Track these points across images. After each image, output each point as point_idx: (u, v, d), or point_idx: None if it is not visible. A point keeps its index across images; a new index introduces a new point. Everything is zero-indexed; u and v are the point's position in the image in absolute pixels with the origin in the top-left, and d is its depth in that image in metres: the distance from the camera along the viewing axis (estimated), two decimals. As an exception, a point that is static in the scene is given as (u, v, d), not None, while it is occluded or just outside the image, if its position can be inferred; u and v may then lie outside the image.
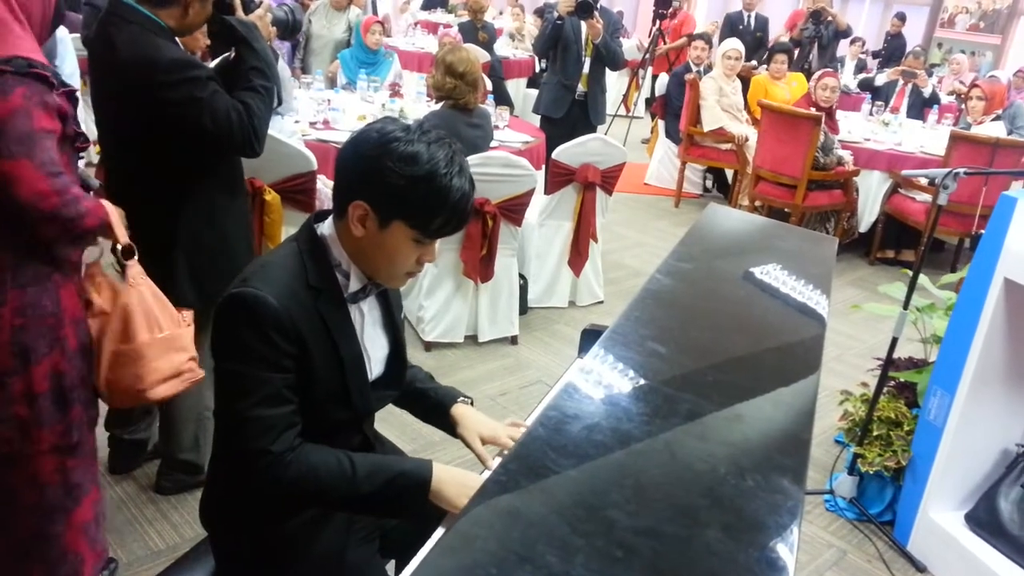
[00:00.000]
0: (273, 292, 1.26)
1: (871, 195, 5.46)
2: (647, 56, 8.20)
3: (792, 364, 1.20)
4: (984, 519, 2.43)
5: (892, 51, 8.98)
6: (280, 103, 3.41)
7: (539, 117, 4.99)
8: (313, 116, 4.06)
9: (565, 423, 0.92)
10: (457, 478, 1.34)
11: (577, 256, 4.07)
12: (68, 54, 3.17)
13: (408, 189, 1.25)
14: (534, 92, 7.99)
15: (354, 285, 1.38)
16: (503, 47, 8.29)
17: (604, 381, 1.03)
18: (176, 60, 1.93)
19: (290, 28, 2.68)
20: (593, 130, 4.70)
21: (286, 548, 1.41)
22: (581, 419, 0.93)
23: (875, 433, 2.69)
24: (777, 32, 8.47)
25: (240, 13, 2.16)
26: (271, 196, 3.04)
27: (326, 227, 1.38)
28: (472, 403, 1.63)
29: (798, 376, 1.15)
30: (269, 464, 1.26)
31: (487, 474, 1.18)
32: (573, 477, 0.83)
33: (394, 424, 2.94)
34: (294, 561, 1.42)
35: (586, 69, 4.71)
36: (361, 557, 1.51)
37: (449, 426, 1.60)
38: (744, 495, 0.85)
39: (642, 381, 1.04)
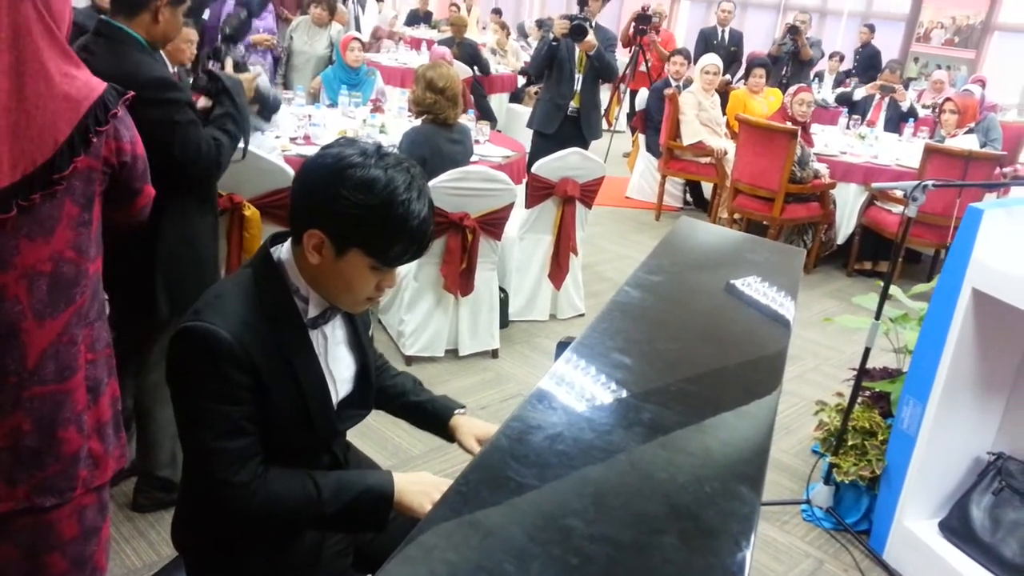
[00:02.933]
0: (226, 325, 1.23)
1: (848, 207, 5.53)
2: (626, 71, 8.27)
3: (755, 374, 1.22)
4: (957, 527, 2.46)
5: (864, 61, 9.10)
6: (268, 119, 3.43)
7: (530, 132, 5.05)
8: (294, 132, 4.08)
9: (528, 433, 0.93)
10: (416, 483, 1.36)
11: (557, 269, 4.10)
12: None
13: (365, 218, 1.21)
14: (517, 107, 8.06)
15: (313, 311, 1.35)
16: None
17: (568, 392, 1.05)
18: (157, 79, 1.95)
19: (267, 107, 2.68)
20: (586, 145, 4.74)
21: (258, 566, 1.41)
22: (544, 429, 0.95)
23: (850, 443, 2.72)
24: (751, 47, 8.57)
25: (229, 69, 2.24)
26: (250, 211, 3.05)
27: (284, 251, 1.35)
28: (465, 410, 1.66)
29: (761, 386, 1.18)
30: (234, 495, 1.26)
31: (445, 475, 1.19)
32: (533, 486, 0.84)
33: (374, 439, 2.94)
34: None
35: (578, 86, 4.76)
36: (334, 573, 1.51)
37: (448, 436, 1.63)
38: (701, 503, 0.87)
39: (606, 392, 1.06)
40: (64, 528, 1.56)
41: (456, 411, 1.63)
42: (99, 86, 1.44)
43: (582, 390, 1.06)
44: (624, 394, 1.07)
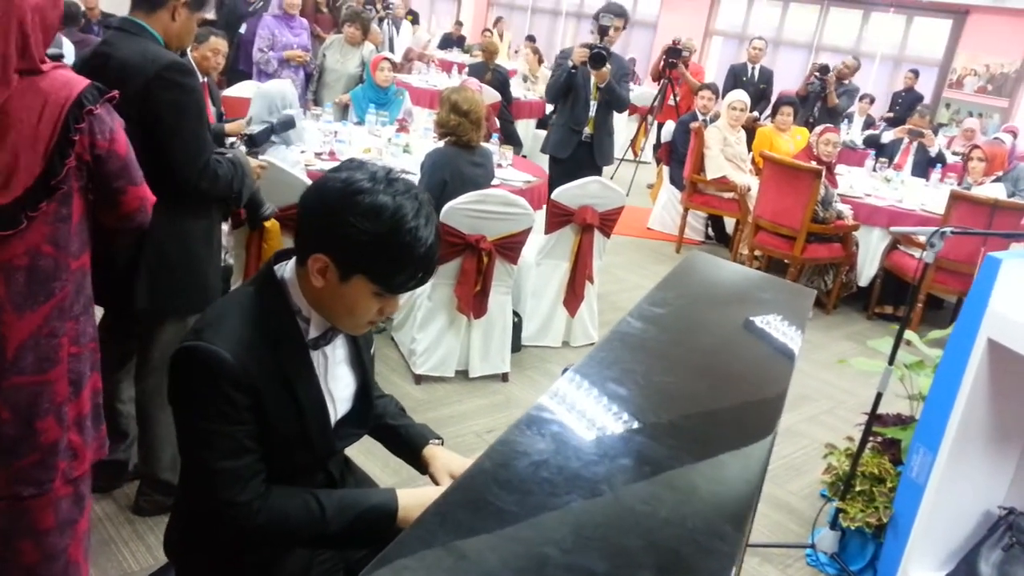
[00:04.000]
0: (228, 346, 1.23)
1: (871, 250, 5.48)
2: (655, 103, 8.31)
3: (752, 414, 1.21)
4: (964, 581, 2.40)
5: (905, 106, 9.06)
6: (289, 145, 3.49)
7: (547, 157, 5.09)
8: (319, 147, 4.14)
9: (513, 458, 0.93)
10: (421, 500, 1.34)
11: (573, 296, 4.10)
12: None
13: (371, 244, 1.21)
14: (543, 132, 8.12)
15: (314, 331, 1.35)
16: (515, 88, 8.43)
17: (559, 419, 1.05)
18: (176, 62, 2.03)
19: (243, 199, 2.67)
20: (599, 171, 4.79)
21: None
22: (530, 455, 0.94)
23: (858, 488, 2.68)
24: (781, 85, 8.57)
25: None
26: (271, 224, 3.09)
27: (288, 270, 1.35)
28: (443, 443, 1.61)
29: (756, 426, 1.17)
30: (237, 514, 1.27)
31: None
32: (512, 512, 0.84)
33: (378, 456, 2.94)
34: None
35: (592, 112, 4.80)
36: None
37: (420, 466, 1.59)
38: (681, 539, 0.86)
39: (597, 421, 1.06)
40: (39, 517, 1.58)
41: (432, 441, 1.59)
42: (79, 84, 1.46)
43: (572, 418, 1.06)
44: (615, 425, 1.07)
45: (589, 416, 1.08)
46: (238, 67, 6.84)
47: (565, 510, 0.88)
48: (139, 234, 2.10)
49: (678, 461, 1.01)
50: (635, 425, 1.08)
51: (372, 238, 1.21)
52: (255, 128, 2.75)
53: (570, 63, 4.72)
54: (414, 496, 1.36)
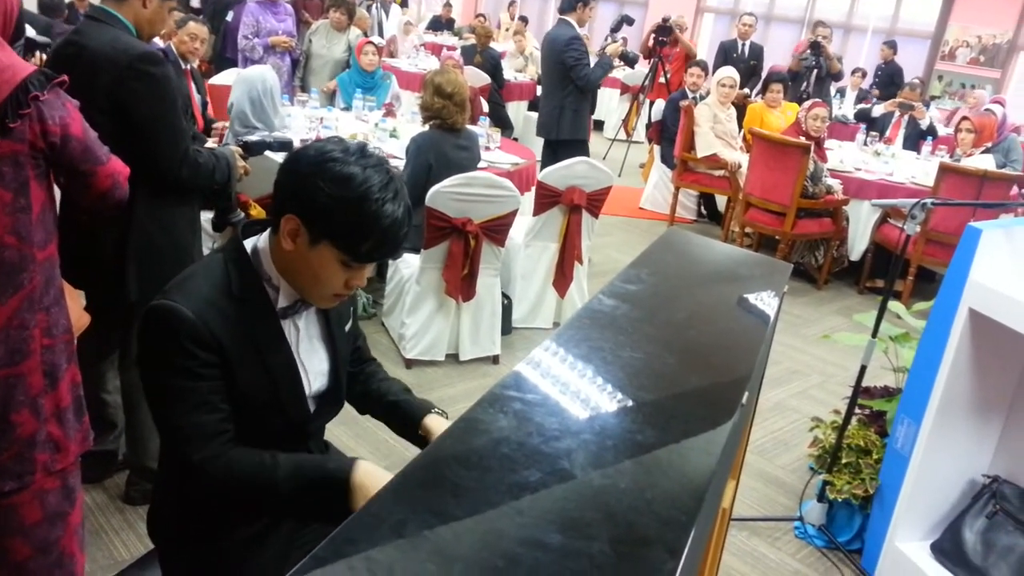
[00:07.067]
0: (190, 304, 1.26)
1: (861, 224, 5.48)
2: (646, 82, 8.26)
3: (720, 386, 1.22)
4: (949, 549, 2.42)
5: (885, 79, 9.04)
6: (272, 131, 3.48)
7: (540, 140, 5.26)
8: (305, 133, 4.13)
9: (473, 436, 0.94)
10: (380, 478, 1.31)
11: (562, 278, 4.10)
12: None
13: (338, 211, 1.25)
14: (534, 115, 8.08)
15: (283, 301, 1.37)
16: (507, 70, 8.38)
17: (522, 397, 1.05)
18: (147, 52, 2.02)
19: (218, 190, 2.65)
20: (587, 150, 4.85)
21: (230, 560, 1.42)
22: (490, 432, 0.95)
23: (844, 461, 2.69)
24: (772, 62, 8.53)
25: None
26: (256, 211, 3.09)
27: (262, 240, 1.38)
28: (447, 416, 1.59)
29: (723, 398, 1.17)
30: (193, 469, 1.28)
31: None
32: (468, 488, 0.85)
33: (368, 440, 2.96)
34: (239, 574, 1.43)
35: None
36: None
37: (420, 439, 1.57)
38: (639, 511, 0.87)
39: (560, 398, 1.07)
40: (25, 513, 1.58)
41: (433, 411, 1.58)
42: (23, 70, 1.45)
43: (536, 396, 1.07)
44: (579, 401, 1.07)
45: (554, 393, 1.08)
46: (225, 55, 6.80)
47: (523, 485, 0.88)
48: (124, 223, 2.10)
49: (641, 435, 1.02)
50: (600, 401, 1.09)
51: (339, 204, 1.25)
52: (252, 136, 2.74)
53: (607, 55, 5.28)
54: (374, 474, 1.32)
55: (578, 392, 1.09)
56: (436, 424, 1.56)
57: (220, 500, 1.35)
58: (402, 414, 1.60)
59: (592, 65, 4.98)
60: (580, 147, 5.05)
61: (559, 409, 1.04)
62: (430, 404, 1.62)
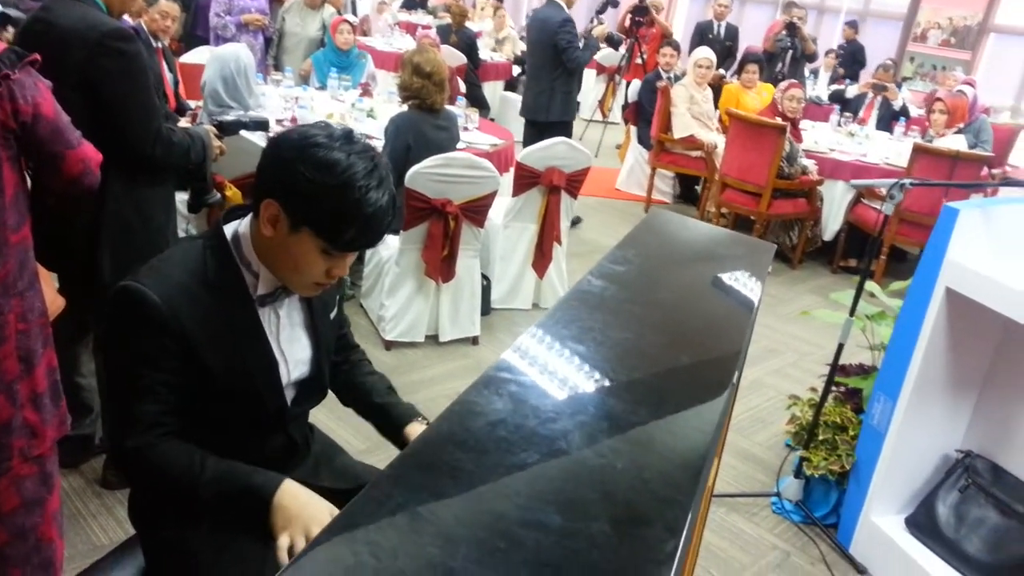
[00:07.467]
0: (159, 288, 1.24)
1: (835, 205, 5.54)
2: (623, 63, 8.25)
3: (709, 367, 1.23)
4: (923, 523, 2.48)
5: (848, 57, 9.14)
6: (246, 110, 3.42)
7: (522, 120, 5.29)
8: (280, 113, 4.07)
9: (469, 419, 0.94)
10: (305, 507, 1.25)
11: (541, 258, 4.10)
12: None
13: (319, 197, 1.21)
14: (511, 95, 8.04)
15: (263, 288, 1.35)
16: (482, 50, 8.31)
17: (516, 379, 1.05)
18: (117, 29, 1.99)
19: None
20: (569, 131, 4.91)
21: (208, 546, 1.41)
22: (486, 415, 0.95)
23: (821, 437, 2.74)
24: (747, 42, 8.56)
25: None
26: (232, 191, 3.04)
27: (243, 225, 1.35)
28: (428, 423, 1.59)
29: (713, 378, 1.18)
30: (123, 454, 1.27)
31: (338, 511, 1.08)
32: (468, 471, 0.85)
33: (349, 423, 2.94)
34: (217, 559, 1.41)
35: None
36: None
37: (402, 445, 1.56)
38: (637, 490, 0.88)
39: (554, 380, 1.07)
40: (2, 499, 1.57)
41: (417, 420, 1.56)
42: None
43: (530, 377, 1.06)
44: (572, 382, 1.08)
45: (547, 375, 1.08)
46: (195, 33, 6.66)
47: (521, 467, 0.88)
48: (97, 203, 2.06)
49: (635, 415, 1.02)
50: (593, 382, 1.09)
51: (321, 190, 1.21)
52: (227, 116, 2.69)
53: (594, 38, 5.21)
54: (297, 496, 1.26)
55: (571, 373, 1.09)
56: (418, 433, 1.55)
57: (144, 492, 1.34)
58: (386, 419, 1.58)
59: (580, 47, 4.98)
60: (565, 128, 5.05)
61: (554, 391, 1.04)
62: (414, 411, 1.61)
